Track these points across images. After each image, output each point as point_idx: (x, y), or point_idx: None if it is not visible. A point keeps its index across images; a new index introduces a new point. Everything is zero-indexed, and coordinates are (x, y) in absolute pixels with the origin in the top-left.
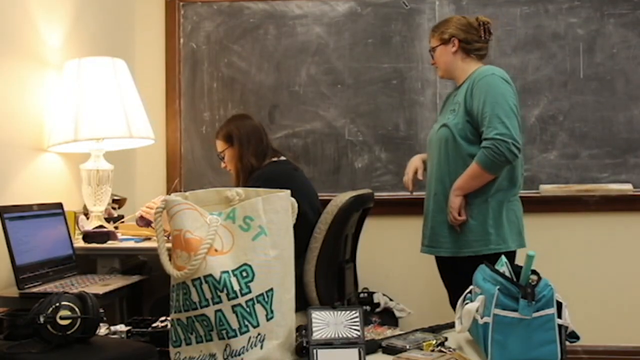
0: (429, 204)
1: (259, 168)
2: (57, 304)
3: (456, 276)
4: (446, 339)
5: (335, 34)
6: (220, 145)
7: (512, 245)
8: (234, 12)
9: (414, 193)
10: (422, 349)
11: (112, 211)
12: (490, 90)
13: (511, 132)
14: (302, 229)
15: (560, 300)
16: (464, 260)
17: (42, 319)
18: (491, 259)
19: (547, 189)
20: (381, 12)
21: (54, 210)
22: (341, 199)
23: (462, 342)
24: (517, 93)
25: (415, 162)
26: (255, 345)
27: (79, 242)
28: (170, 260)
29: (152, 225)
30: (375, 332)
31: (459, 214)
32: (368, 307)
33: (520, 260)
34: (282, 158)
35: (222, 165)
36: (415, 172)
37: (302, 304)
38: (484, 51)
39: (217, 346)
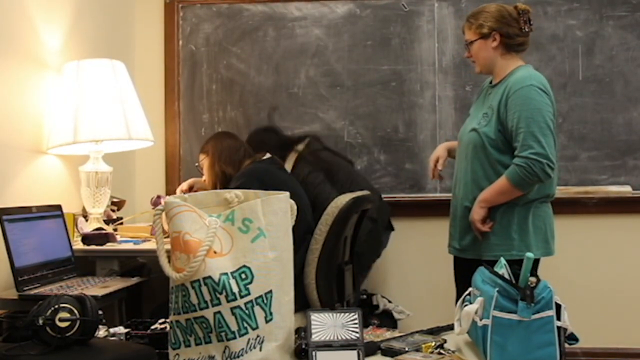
0: (457, 206)
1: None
2: (56, 306)
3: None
4: (445, 341)
5: (334, 36)
6: (200, 157)
7: (537, 253)
8: (233, 14)
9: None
10: (421, 351)
11: (111, 213)
12: (525, 104)
13: (546, 152)
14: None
15: (559, 302)
16: (486, 263)
17: (41, 321)
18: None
19: None
20: (380, 14)
21: (53, 212)
22: (341, 200)
23: (461, 344)
24: (554, 101)
25: (438, 152)
26: (254, 347)
27: (78, 244)
28: (169, 262)
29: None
30: (374, 334)
31: (483, 225)
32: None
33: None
34: (266, 156)
35: (203, 179)
36: (437, 161)
37: (303, 306)
38: (526, 46)
39: (216, 348)
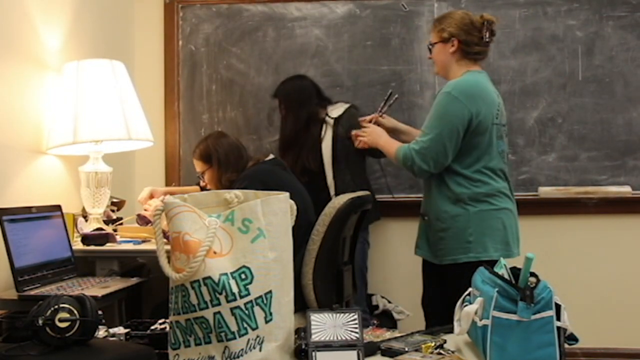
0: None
1: None
2: (56, 306)
3: (438, 281)
4: (445, 341)
5: (334, 36)
6: (199, 165)
7: (495, 255)
8: (233, 15)
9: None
10: (420, 351)
11: (111, 213)
12: (435, 110)
13: (425, 154)
14: (294, 228)
15: (559, 303)
16: (446, 267)
17: (40, 322)
18: (473, 267)
19: (546, 191)
20: (380, 14)
21: (53, 212)
22: (339, 200)
23: (460, 344)
24: (489, 104)
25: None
26: (254, 348)
27: (78, 245)
28: (169, 262)
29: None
30: (374, 335)
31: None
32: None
33: (519, 262)
34: (270, 157)
35: (202, 184)
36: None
37: (301, 306)
38: (483, 55)
39: (215, 348)
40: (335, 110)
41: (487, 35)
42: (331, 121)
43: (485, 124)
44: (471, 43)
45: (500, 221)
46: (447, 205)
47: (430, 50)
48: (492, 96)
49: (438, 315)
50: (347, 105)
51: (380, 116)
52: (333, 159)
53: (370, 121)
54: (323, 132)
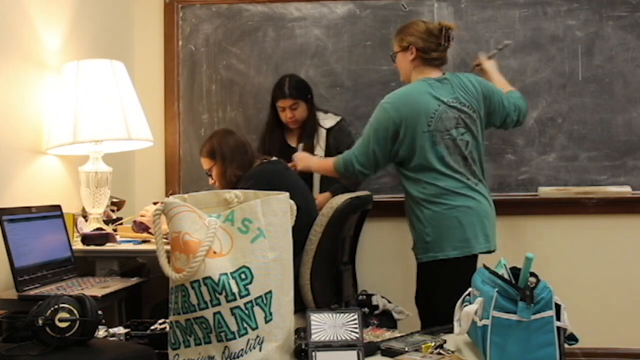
0: None
1: None
2: (56, 306)
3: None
4: (445, 341)
5: (334, 36)
6: (206, 162)
7: (452, 253)
8: (233, 15)
9: None
10: (420, 351)
11: (111, 213)
12: (371, 117)
13: (351, 158)
14: (297, 228)
15: (559, 303)
16: (422, 266)
17: (40, 322)
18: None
19: (546, 191)
20: (380, 15)
21: (53, 212)
22: (337, 201)
23: (460, 344)
24: (416, 113)
25: None
26: (254, 348)
27: (78, 245)
28: (169, 262)
29: (149, 231)
30: (374, 335)
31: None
32: (367, 310)
33: (519, 262)
34: (274, 158)
35: (211, 182)
36: None
37: (298, 307)
38: (441, 60)
39: (215, 348)
40: (327, 121)
41: (445, 42)
42: (324, 132)
43: (411, 131)
44: (428, 50)
45: (456, 219)
46: (410, 207)
47: (393, 59)
48: (424, 105)
49: (423, 312)
50: (338, 118)
51: (490, 57)
52: None
53: (477, 64)
54: (315, 141)
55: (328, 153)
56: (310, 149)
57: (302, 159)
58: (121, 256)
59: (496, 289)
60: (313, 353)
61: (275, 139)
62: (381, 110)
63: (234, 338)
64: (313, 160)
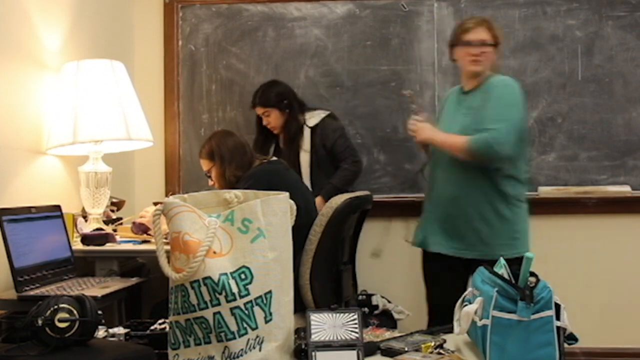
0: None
1: None
2: (56, 307)
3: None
4: (445, 341)
5: (334, 36)
6: (205, 164)
7: (525, 251)
8: (233, 14)
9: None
10: (420, 351)
11: (111, 213)
12: (508, 99)
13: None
14: (296, 228)
15: (559, 302)
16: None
17: (40, 322)
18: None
19: (546, 191)
20: (380, 14)
21: (53, 212)
22: (337, 201)
23: (460, 344)
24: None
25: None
26: (254, 348)
27: (78, 245)
28: (168, 262)
29: (148, 232)
30: (374, 334)
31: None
32: (366, 309)
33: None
34: (273, 158)
35: (210, 183)
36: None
37: (298, 307)
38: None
39: (215, 348)
40: (312, 119)
41: None
42: (308, 131)
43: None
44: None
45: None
46: (488, 204)
47: (476, 46)
48: None
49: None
50: (324, 115)
51: (418, 114)
52: (311, 168)
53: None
54: (302, 140)
55: (313, 152)
56: (295, 151)
57: (424, 129)
58: (121, 256)
59: (496, 289)
60: (313, 353)
61: (267, 142)
62: (512, 86)
63: (234, 338)
64: (438, 132)
